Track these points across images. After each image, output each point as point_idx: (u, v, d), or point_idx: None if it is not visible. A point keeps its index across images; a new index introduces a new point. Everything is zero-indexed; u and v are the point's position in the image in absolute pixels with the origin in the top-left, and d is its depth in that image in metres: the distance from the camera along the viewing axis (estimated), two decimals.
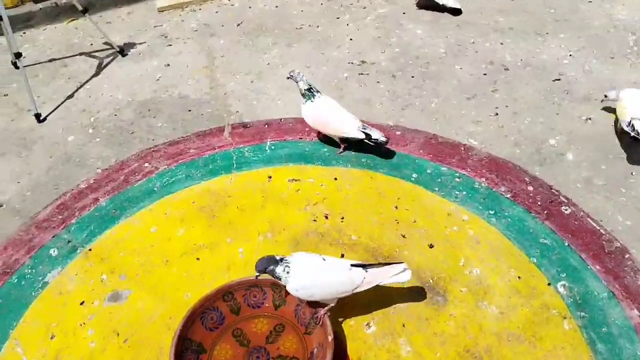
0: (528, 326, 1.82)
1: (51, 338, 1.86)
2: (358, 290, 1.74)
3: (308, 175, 2.44)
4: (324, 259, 1.75)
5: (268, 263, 1.68)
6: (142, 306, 1.94)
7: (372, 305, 1.90)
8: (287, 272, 1.66)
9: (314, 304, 1.77)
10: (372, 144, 2.44)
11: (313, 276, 1.69)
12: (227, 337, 1.79)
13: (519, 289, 1.93)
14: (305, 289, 1.69)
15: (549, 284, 1.94)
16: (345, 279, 1.72)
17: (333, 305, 1.76)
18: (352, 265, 1.76)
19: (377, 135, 2.39)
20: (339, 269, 1.74)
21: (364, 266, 1.77)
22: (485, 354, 1.75)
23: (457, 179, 2.38)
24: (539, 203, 2.25)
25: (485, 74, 3.05)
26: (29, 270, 2.10)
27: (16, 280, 2.06)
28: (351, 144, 2.54)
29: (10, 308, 1.96)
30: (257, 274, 1.70)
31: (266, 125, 2.75)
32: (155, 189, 2.42)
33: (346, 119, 2.45)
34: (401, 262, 1.81)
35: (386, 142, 2.41)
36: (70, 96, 3.09)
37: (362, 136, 2.40)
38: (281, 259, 1.69)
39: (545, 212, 2.21)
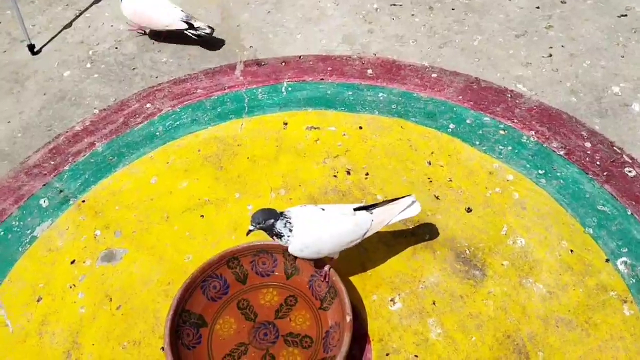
0: (581, 310, 1.57)
1: (38, 301, 1.67)
2: (368, 234, 1.54)
3: (329, 122, 2.14)
4: (323, 209, 1.53)
5: (268, 216, 1.45)
6: (138, 268, 1.73)
7: (398, 277, 1.66)
8: (290, 230, 1.45)
9: (317, 261, 1.56)
10: (195, 37, 2.41)
11: (317, 231, 1.48)
12: (231, 308, 1.58)
13: (571, 265, 1.66)
14: (311, 247, 1.48)
15: (607, 260, 1.67)
16: (352, 227, 1.52)
17: (335, 257, 1.55)
18: (355, 209, 1.55)
19: (199, 24, 2.37)
20: (342, 217, 1.53)
21: (367, 208, 1.56)
22: (529, 341, 1.51)
23: (501, 132, 2.06)
24: (598, 163, 1.94)
25: (538, 7, 2.65)
26: (17, 223, 1.89)
27: (2, 233, 1.86)
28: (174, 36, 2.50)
29: None
30: (252, 227, 1.46)
31: (283, 63, 2.43)
32: (158, 133, 2.16)
33: (166, 9, 2.42)
34: (409, 195, 1.60)
35: (210, 34, 2.38)
36: (68, 25, 2.79)
37: (185, 26, 2.37)
38: (281, 213, 1.47)
39: (604, 173, 1.90)
